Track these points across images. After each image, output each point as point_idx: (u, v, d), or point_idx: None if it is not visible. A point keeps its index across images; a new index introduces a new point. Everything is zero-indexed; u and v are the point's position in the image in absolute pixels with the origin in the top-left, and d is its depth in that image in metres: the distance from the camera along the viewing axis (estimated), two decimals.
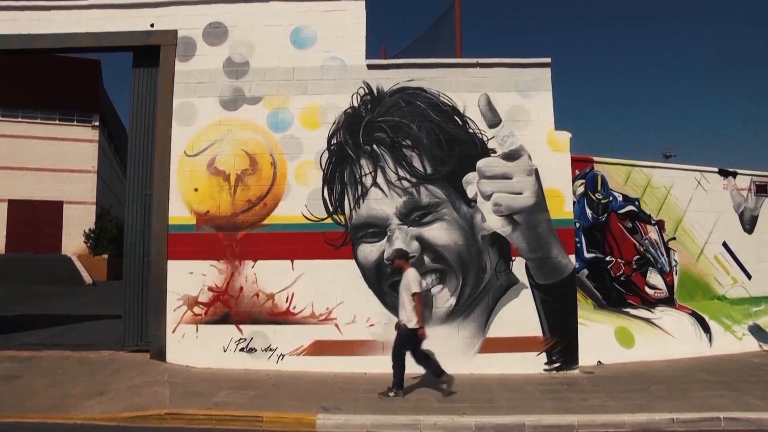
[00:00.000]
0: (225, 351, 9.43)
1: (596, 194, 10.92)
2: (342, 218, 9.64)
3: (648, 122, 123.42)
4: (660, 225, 11.42)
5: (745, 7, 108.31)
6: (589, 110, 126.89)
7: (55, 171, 34.51)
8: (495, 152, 9.67)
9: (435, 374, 8.01)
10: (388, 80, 9.87)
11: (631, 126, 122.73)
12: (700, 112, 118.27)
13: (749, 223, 12.33)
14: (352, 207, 9.62)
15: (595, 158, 11.08)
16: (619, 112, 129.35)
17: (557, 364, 9.40)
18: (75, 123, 36.31)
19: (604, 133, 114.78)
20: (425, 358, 8.02)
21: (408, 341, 7.93)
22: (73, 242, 34.51)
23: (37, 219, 33.87)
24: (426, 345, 9.27)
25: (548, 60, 9.95)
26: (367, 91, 9.86)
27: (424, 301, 8.56)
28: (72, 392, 7.80)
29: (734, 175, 12.28)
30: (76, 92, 34.64)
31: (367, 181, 9.62)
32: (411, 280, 7.96)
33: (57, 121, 35.90)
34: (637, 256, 11.20)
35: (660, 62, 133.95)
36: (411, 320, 7.84)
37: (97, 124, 36.69)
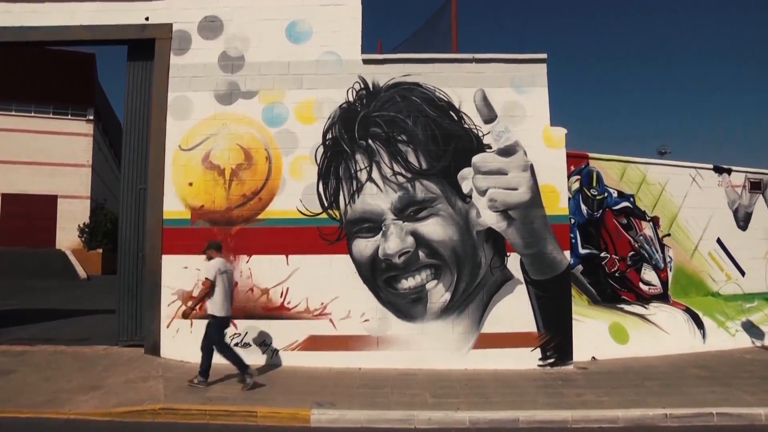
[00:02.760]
0: None
1: (591, 190, 10.94)
2: (337, 213, 9.62)
3: (643, 119, 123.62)
4: (655, 221, 11.45)
5: (745, 2, 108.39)
6: (585, 107, 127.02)
7: (49, 165, 34.41)
8: (490, 148, 9.66)
9: (202, 368, 7.93)
10: (383, 75, 9.85)
11: (626, 123, 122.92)
12: (695, 110, 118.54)
13: (743, 220, 12.39)
14: (347, 202, 9.60)
15: (591, 154, 11.10)
16: (614, 109, 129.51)
17: (551, 360, 9.42)
18: (69, 117, 36.18)
19: (600, 129, 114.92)
20: (208, 348, 8.04)
21: (217, 328, 8.04)
22: (67, 236, 34.44)
23: (32, 213, 33.77)
24: (422, 341, 9.32)
25: (544, 56, 9.94)
26: (362, 85, 9.83)
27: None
28: (66, 387, 7.77)
29: (729, 172, 12.33)
30: (70, 86, 34.48)
31: (362, 176, 9.60)
32: (208, 267, 8.06)
33: (51, 115, 35.77)
34: (632, 253, 11.23)
35: (657, 61, 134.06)
36: (214, 308, 7.98)
37: (91, 117, 36.57)
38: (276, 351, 9.41)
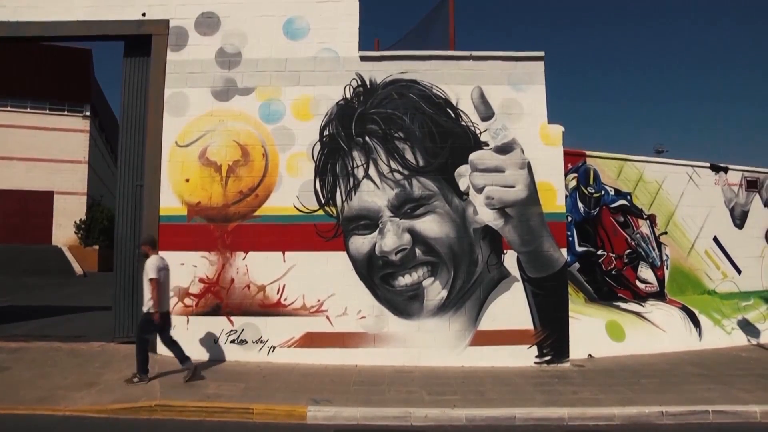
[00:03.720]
0: (216, 343, 9.40)
1: (588, 188, 10.94)
2: (334, 210, 9.61)
3: (640, 118, 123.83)
4: (651, 219, 11.46)
5: (738, 6, 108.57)
6: (583, 106, 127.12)
7: (45, 161, 34.31)
8: (487, 145, 9.65)
9: (180, 360, 8.17)
10: (380, 72, 9.83)
11: (623, 122, 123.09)
12: (692, 109, 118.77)
13: (740, 218, 12.40)
14: (343, 199, 9.59)
15: (588, 152, 11.10)
16: (612, 108, 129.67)
17: (548, 357, 9.43)
18: (66, 113, 36.07)
19: (597, 128, 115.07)
20: (172, 343, 8.24)
21: (147, 326, 8.11)
22: (63, 233, 34.36)
23: (28, 209, 33.70)
24: (419, 338, 9.31)
25: (542, 54, 9.93)
26: (359, 82, 9.81)
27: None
28: (61, 384, 7.76)
29: (725, 170, 12.34)
30: (66, 82, 34.38)
31: (359, 173, 9.59)
32: (148, 266, 8.11)
33: (47, 111, 35.63)
34: (629, 251, 11.24)
35: (653, 59, 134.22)
36: (146, 304, 8.04)
37: (88, 114, 36.47)
38: (272, 348, 9.40)
